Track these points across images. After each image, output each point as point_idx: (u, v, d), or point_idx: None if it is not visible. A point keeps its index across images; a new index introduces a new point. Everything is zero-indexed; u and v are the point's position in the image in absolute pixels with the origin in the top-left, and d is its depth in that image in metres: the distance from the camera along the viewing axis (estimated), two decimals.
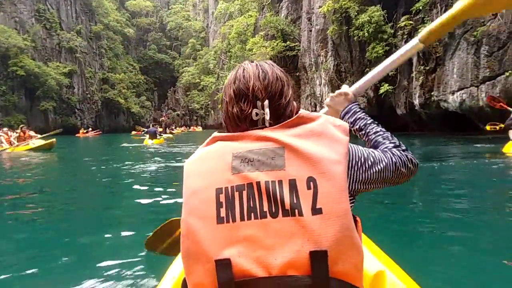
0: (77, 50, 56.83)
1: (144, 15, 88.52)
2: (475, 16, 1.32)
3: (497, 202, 4.58)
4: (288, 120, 0.91)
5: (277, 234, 0.80)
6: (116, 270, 2.45)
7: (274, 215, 0.81)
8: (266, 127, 0.92)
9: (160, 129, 21.25)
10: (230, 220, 0.82)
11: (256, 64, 1.00)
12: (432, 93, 16.41)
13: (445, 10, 13.15)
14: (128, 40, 77.39)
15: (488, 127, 10.26)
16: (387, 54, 18.97)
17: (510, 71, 12.69)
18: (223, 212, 0.83)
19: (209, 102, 67.11)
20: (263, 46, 28.65)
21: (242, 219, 0.82)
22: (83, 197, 5.72)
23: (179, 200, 4.57)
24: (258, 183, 0.84)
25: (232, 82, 0.98)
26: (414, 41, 1.30)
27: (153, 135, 19.41)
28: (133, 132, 41.74)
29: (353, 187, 0.92)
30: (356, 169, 0.92)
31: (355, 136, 1.20)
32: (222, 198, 0.84)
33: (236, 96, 0.96)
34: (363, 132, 1.19)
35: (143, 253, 2.62)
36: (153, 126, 21.42)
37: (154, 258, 2.45)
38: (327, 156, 0.84)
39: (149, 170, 8.38)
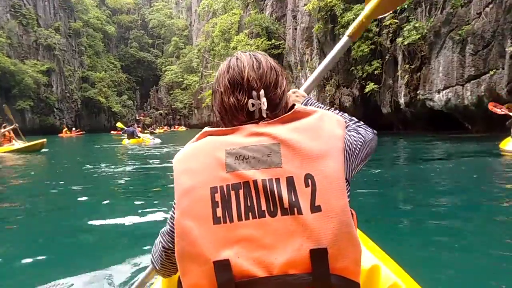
0: (56, 48, 55.03)
1: (125, 12, 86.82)
2: (385, 13, 1.57)
3: (487, 197, 4.63)
4: (284, 115, 0.89)
5: (277, 233, 0.78)
6: (110, 270, 2.46)
7: (272, 214, 0.79)
8: (263, 118, 0.91)
9: (139, 129, 20.72)
10: (227, 220, 0.80)
11: (250, 54, 0.98)
12: (418, 92, 16.43)
13: (430, 9, 13.16)
14: (109, 38, 75.72)
15: (490, 106, 10.08)
16: (373, 53, 18.99)
17: (494, 70, 12.74)
18: (219, 212, 0.80)
19: (193, 101, 66.29)
20: (248, 44, 28.32)
21: (239, 219, 0.80)
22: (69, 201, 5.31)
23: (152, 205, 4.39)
24: (255, 182, 0.81)
25: (226, 72, 0.95)
26: (344, 37, 1.47)
27: (131, 135, 19.15)
28: (113, 132, 40.60)
29: (349, 176, 0.92)
30: (352, 159, 0.93)
31: None
32: (218, 197, 0.81)
33: (231, 85, 0.93)
34: None
35: (136, 253, 2.67)
36: (131, 125, 20.97)
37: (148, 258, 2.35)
38: (324, 152, 0.83)
39: (121, 172, 8.00)
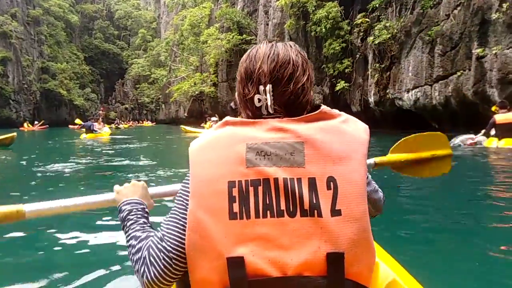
0: (12, 35, 51.71)
1: (90, 2, 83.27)
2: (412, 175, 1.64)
3: (476, 195, 4.68)
4: (309, 114, 0.87)
5: (294, 234, 0.77)
6: (106, 269, 2.34)
7: (292, 215, 0.78)
8: (271, 114, 0.88)
9: (97, 123, 19.83)
10: (244, 216, 0.78)
11: (272, 45, 0.94)
12: (387, 91, 16.60)
13: (400, 9, 13.21)
14: (71, 28, 72.14)
15: (494, 108, 10.48)
16: (344, 51, 19.02)
17: (461, 71, 13.00)
18: (236, 207, 0.79)
19: (160, 96, 64.56)
20: (219, 39, 27.74)
21: (257, 216, 0.78)
22: None
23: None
24: (275, 180, 0.79)
25: (244, 60, 0.95)
26: (372, 160, 1.53)
27: (88, 130, 18.47)
28: (71, 126, 38.55)
29: None
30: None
31: None
32: (235, 192, 0.80)
33: (245, 76, 0.93)
34: None
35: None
36: (90, 119, 20.06)
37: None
38: (349, 155, 0.82)
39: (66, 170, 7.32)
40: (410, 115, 16.35)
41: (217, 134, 0.87)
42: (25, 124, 39.87)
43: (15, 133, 13.52)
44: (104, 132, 20.16)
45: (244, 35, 27.77)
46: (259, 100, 0.88)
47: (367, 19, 17.73)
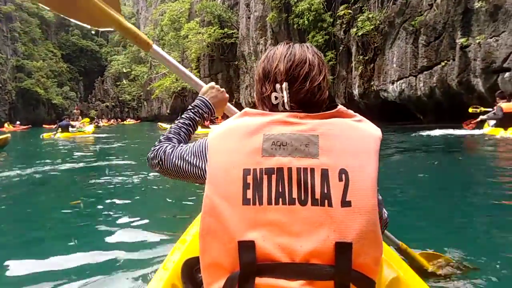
0: None
1: None
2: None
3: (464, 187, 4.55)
4: (327, 112, 0.89)
5: (305, 222, 0.79)
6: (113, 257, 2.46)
7: (303, 203, 0.80)
8: (287, 110, 0.91)
9: (72, 122, 19.22)
10: (257, 202, 0.81)
11: (289, 46, 0.97)
12: (372, 83, 16.46)
13: (382, 0, 13.00)
14: (47, 24, 69.74)
15: (470, 110, 10.93)
16: (327, 43, 18.78)
17: (445, 61, 12.93)
18: (249, 194, 0.82)
19: (142, 93, 63.23)
20: (199, 33, 27.14)
21: (269, 203, 0.81)
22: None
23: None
24: (289, 169, 0.82)
25: (262, 61, 0.99)
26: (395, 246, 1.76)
27: (64, 129, 17.91)
28: (46, 126, 37.30)
29: None
30: None
31: None
32: (250, 179, 0.82)
33: (262, 75, 0.97)
34: None
35: (133, 243, 2.73)
36: (65, 119, 19.40)
37: (151, 245, 2.64)
38: (361, 150, 0.84)
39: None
40: (395, 107, 16.27)
41: (236, 123, 0.90)
42: (6, 125, 38.28)
43: (9, 134, 12.58)
44: (87, 131, 19.70)
45: (226, 29, 27.25)
46: (276, 98, 0.92)
47: (349, 11, 17.52)
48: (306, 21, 18.25)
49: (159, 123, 27.17)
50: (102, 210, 3.99)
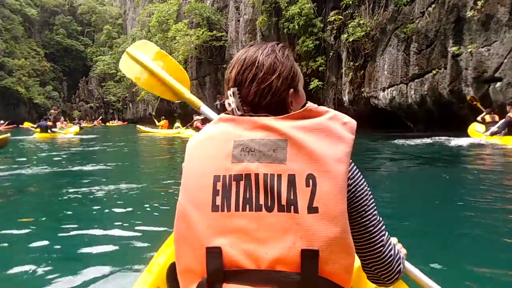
0: None
1: None
2: None
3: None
4: (295, 112, 0.87)
5: (271, 229, 0.78)
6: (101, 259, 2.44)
7: (269, 209, 0.79)
8: (253, 115, 0.89)
9: (50, 123, 18.60)
10: (225, 209, 0.81)
11: (246, 50, 0.96)
12: (362, 90, 16.27)
13: (373, 7, 12.84)
14: (30, 22, 68.03)
15: (468, 97, 11.21)
16: (317, 48, 18.58)
17: (437, 69, 12.82)
18: (218, 200, 0.81)
19: (127, 95, 62.13)
20: (187, 35, 26.66)
21: (237, 209, 0.80)
22: None
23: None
24: (256, 175, 0.81)
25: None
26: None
27: (43, 130, 17.47)
28: (21, 126, 36.14)
29: None
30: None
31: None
32: (219, 186, 0.82)
33: (225, 83, 0.99)
34: None
35: (126, 243, 2.70)
36: (44, 119, 18.77)
37: (137, 248, 2.64)
38: (330, 154, 0.81)
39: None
40: (386, 114, 16.11)
41: (210, 131, 0.91)
42: None
43: (8, 134, 11.97)
44: (70, 131, 19.28)
45: (215, 31, 26.83)
46: (229, 105, 0.92)
47: (340, 17, 17.35)
48: (296, 26, 18.02)
49: (138, 126, 26.66)
50: (86, 214, 3.95)
